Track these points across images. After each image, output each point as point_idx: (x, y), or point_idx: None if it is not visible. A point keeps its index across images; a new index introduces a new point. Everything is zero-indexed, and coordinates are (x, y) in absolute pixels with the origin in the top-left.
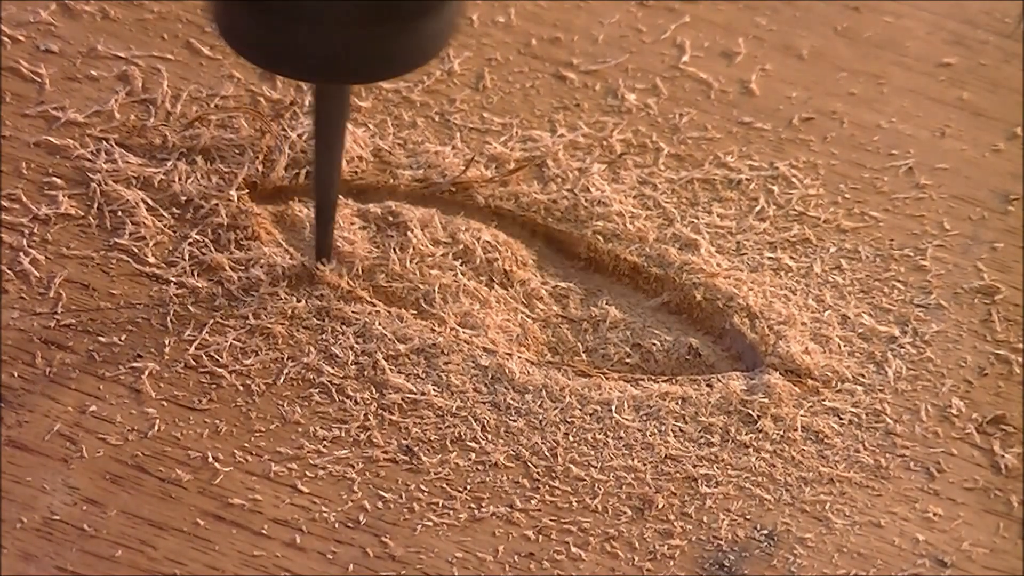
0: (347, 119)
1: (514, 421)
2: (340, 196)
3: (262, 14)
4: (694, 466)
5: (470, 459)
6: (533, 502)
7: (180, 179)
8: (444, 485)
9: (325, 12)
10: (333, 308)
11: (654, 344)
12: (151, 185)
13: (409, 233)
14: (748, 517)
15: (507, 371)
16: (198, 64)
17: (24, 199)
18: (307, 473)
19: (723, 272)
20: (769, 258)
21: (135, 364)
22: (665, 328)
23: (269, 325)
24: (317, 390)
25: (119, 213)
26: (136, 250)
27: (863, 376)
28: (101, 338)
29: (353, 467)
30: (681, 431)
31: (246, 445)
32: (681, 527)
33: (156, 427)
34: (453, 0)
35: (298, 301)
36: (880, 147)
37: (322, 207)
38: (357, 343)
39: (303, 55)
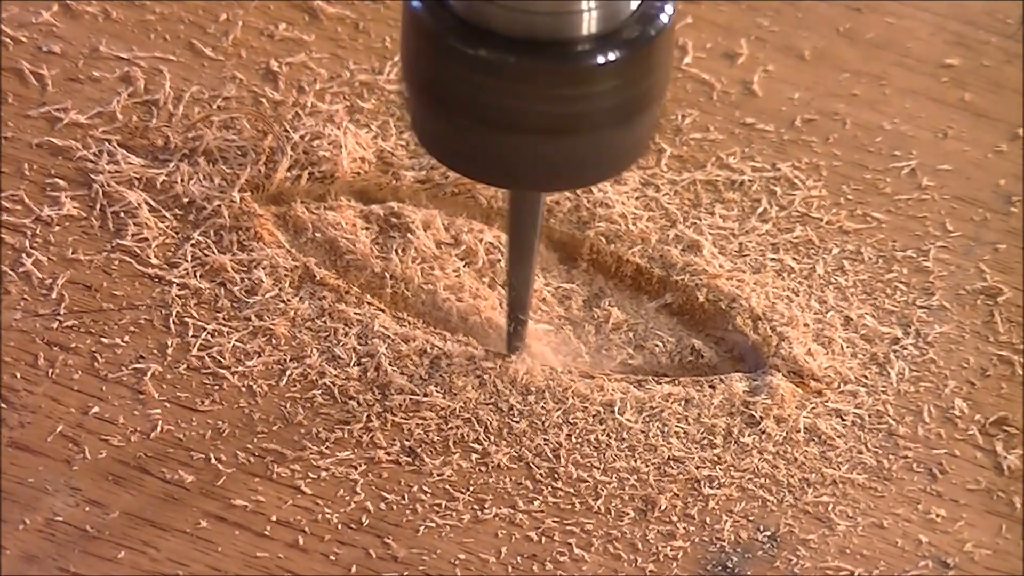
0: (541, 224)
1: (517, 423)
2: (341, 197)
3: (460, 122)
4: (697, 467)
5: (473, 460)
6: (536, 503)
7: (182, 180)
8: (447, 486)
9: (520, 121)
10: (336, 309)
11: (657, 346)
12: (153, 186)
13: (411, 234)
14: (751, 518)
15: (510, 372)
16: (200, 65)
17: (26, 200)
18: (310, 474)
19: (725, 273)
20: (772, 259)
21: (137, 365)
22: (668, 329)
23: (272, 326)
24: (320, 391)
25: (121, 214)
26: (138, 251)
27: (866, 377)
28: (103, 339)
29: (356, 468)
30: (684, 432)
31: (249, 446)
32: (684, 528)
33: (158, 428)
34: (649, 110)
35: (301, 302)
36: (882, 148)
37: (515, 307)
38: (360, 344)
39: (499, 163)
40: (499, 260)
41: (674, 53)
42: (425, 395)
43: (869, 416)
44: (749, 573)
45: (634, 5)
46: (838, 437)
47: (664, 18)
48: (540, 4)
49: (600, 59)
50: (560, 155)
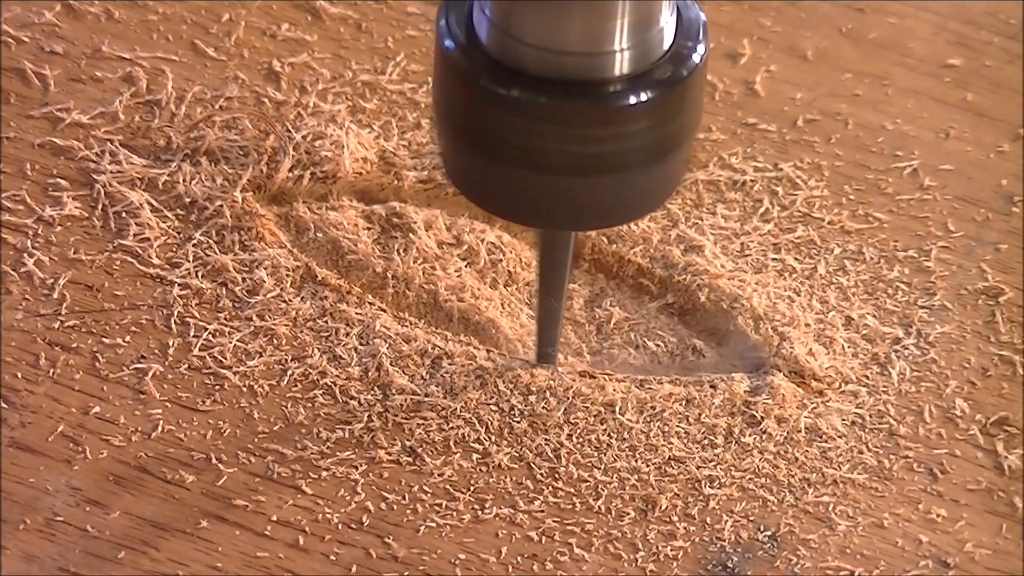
0: (571, 263)
1: (518, 423)
2: (343, 197)
3: (491, 162)
4: (698, 467)
5: (473, 460)
6: (536, 503)
7: (184, 180)
8: (447, 486)
9: (551, 161)
10: (337, 309)
11: (658, 345)
12: (155, 186)
13: (413, 234)
14: (751, 518)
15: (511, 372)
16: (203, 65)
17: (28, 200)
18: (310, 474)
19: (727, 274)
20: (773, 259)
21: (139, 365)
22: (669, 329)
23: (273, 326)
24: (321, 391)
25: (123, 214)
26: (140, 251)
27: (867, 377)
28: (105, 339)
29: (356, 468)
30: (685, 432)
31: (249, 446)
32: (684, 528)
33: (159, 428)
34: (679, 149)
35: (302, 302)
36: (884, 148)
37: (545, 343)
38: (361, 344)
39: (530, 202)
40: (500, 260)
41: (704, 92)
42: (426, 395)
43: (870, 416)
44: (749, 573)
45: (666, 45)
46: (839, 437)
47: (696, 58)
48: (572, 45)
49: (632, 100)
50: (591, 195)
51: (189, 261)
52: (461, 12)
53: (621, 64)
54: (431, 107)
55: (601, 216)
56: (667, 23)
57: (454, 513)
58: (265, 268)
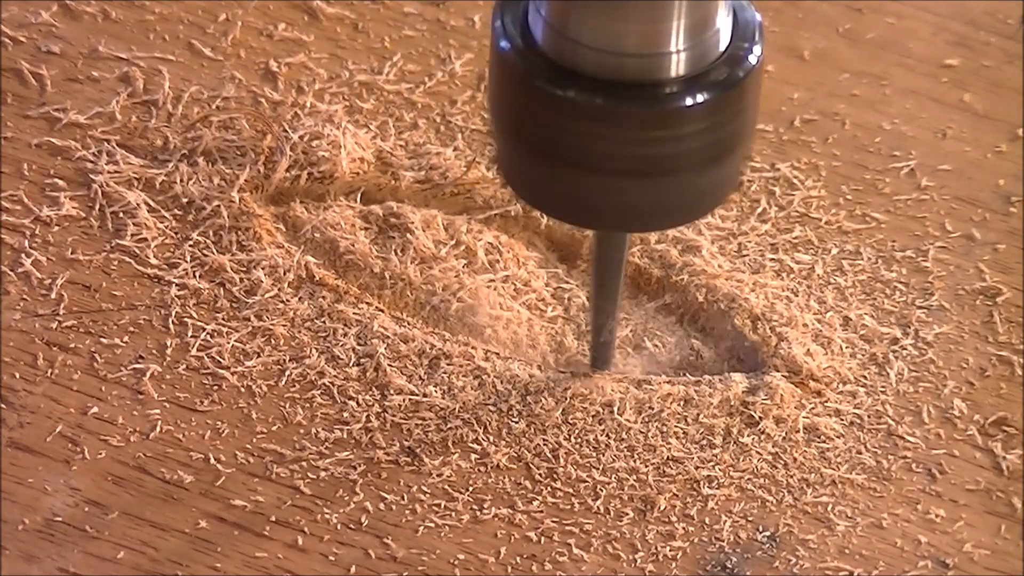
0: (625, 264)
1: (516, 423)
2: (342, 197)
3: (546, 163)
4: (696, 468)
5: (472, 461)
6: (535, 504)
7: (182, 180)
8: (446, 487)
9: (607, 163)
10: (335, 309)
11: (656, 346)
12: (153, 186)
13: (411, 234)
14: (750, 519)
15: (509, 373)
16: (200, 65)
17: (26, 200)
18: (309, 474)
19: (725, 274)
20: (771, 260)
21: (137, 365)
22: (667, 330)
23: (271, 326)
24: (319, 391)
25: (121, 214)
26: (138, 251)
27: (865, 378)
28: (103, 339)
29: (355, 469)
30: (683, 433)
31: (248, 446)
32: (683, 528)
33: (158, 428)
34: (736, 152)
35: (300, 303)
36: (882, 148)
37: (599, 350)
38: (359, 345)
39: (585, 204)
40: (498, 260)
41: (760, 94)
42: (424, 395)
43: (868, 416)
44: (748, 573)
45: (722, 47)
46: (837, 437)
47: (752, 60)
48: (629, 46)
49: (688, 101)
50: (646, 197)
51: (187, 261)
52: (516, 13)
53: (677, 65)
54: (487, 108)
55: (656, 218)
56: (723, 24)
57: (453, 513)
58: (263, 268)
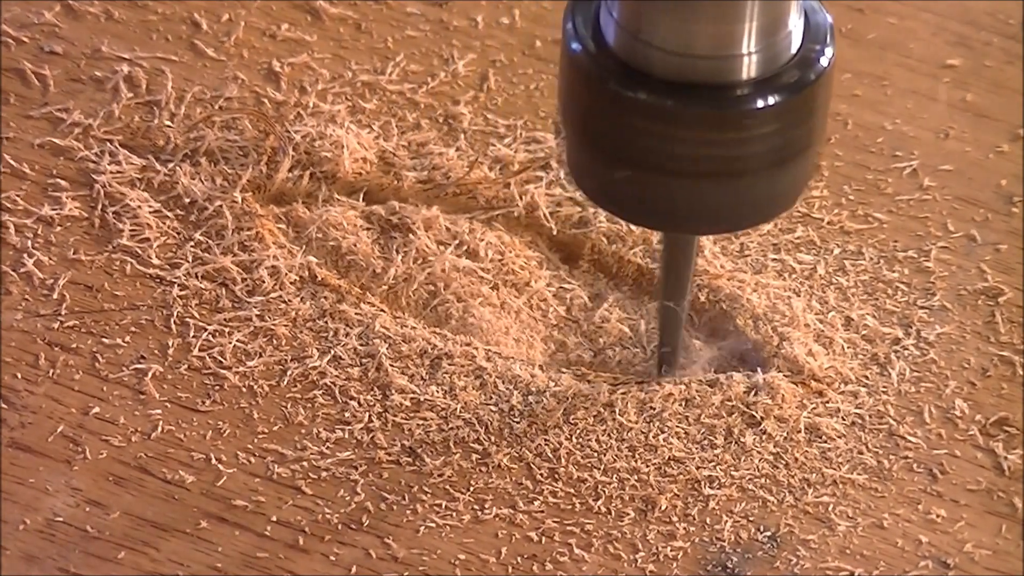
0: (694, 266)
1: (517, 423)
2: (343, 197)
3: (616, 165)
4: (697, 468)
5: (473, 461)
6: (536, 503)
7: (184, 180)
8: (447, 487)
9: (677, 165)
10: (337, 310)
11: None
12: (155, 187)
13: (413, 235)
14: (751, 519)
15: (511, 373)
16: (202, 66)
17: (28, 200)
18: (310, 474)
19: (726, 274)
20: (773, 260)
21: (138, 366)
22: None
23: (272, 327)
24: (320, 391)
25: (123, 215)
26: (140, 252)
27: (866, 378)
28: (104, 340)
29: (356, 468)
30: (684, 433)
31: (249, 446)
32: (684, 529)
33: (159, 428)
34: (806, 154)
35: (302, 303)
36: (884, 148)
37: (665, 347)
38: (361, 345)
39: (655, 206)
40: (500, 259)
41: (831, 97)
42: (426, 395)
43: (870, 416)
44: (749, 573)
45: (794, 49)
46: (838, 437)
47: (824, 62)
48: (701, 48)
49: (759, 103)
50: (715, 198)
51: (189, 261)
52: (588, 14)
53: (749, 68)
54: (557, 109)
55: (725, 220)
56: (795, 27)
57: (454, 513)
58: (265, 268)
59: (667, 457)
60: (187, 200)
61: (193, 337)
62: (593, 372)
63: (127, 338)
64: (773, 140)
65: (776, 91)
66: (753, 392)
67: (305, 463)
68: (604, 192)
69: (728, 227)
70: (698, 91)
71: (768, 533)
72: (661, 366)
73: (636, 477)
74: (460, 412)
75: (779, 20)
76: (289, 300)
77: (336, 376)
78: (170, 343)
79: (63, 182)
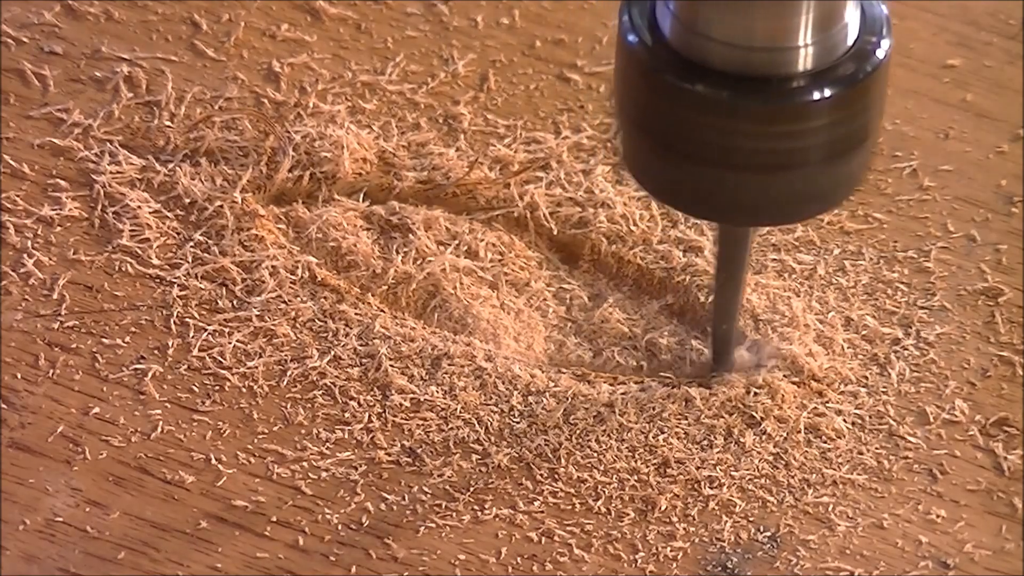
0: (749, 258)
1: (517, 423)
2: (343, 197)
3: (672, 157)
4: (697, 468)
5: (473, 461)
6: (536, 504)
7: (184, 181)
8: (447, 487)
9: (732, 157)
10: (337, 310)
11: (658, 346)
12: (155, 187)
13: (413, 235)
14: (751, 519)
15: (511, 373)
16: (202, 66)
17: (28, 201)
18: (310, 475)
19: None
20: (773, 260)
21: (138, 366)
22: (669, 330)
23: (273, 327)
24: (320, 392)
25: (123, 215)
26: (140, 252)
27: (866, 378)
28: (104, 340)
29: (356, 469)
30: (684, 433)
31: (249, 447)
32: (684, 529)
33: (159, 429)
34: (862, 146)
35: (302, 303)
36: (884, 148)
37: (720, 341)
38: (360, 345)
39: (710, 198)
40: (500, 259)
41: (887, 89)
42: (426, 396)
43: (870, 417)
44: (749, 574)
45: (850, 41)
46: (838, 437)
47: (880, 55)
48: (758, 40)
49: (815, 96)
50: (771, 191)
51: (188, 262)
52: (644, 7)
53: (805, 60)
54: (612, 101)
55: (780, 212)
56: (851, 19)
57: (454, 514)
58: (265, 268)
59: (667, 457)
60: (187, 200)
61: (193, 337)
62: (593, 372)
63: (127, 338)
64: (829, 132)
65: (832, 83)
66: (753, 392)
67: (305, 463)
68: (660, 184)
69: (783, 219)
70: (755, 83)
71: (768, 533)
72: (716, 357)
73: (636, 477)
74: (460, 412)
75: (835, 13)
76: (289, 300)
77: (336, 376)
78: (170, 343)
79: (63, 182)
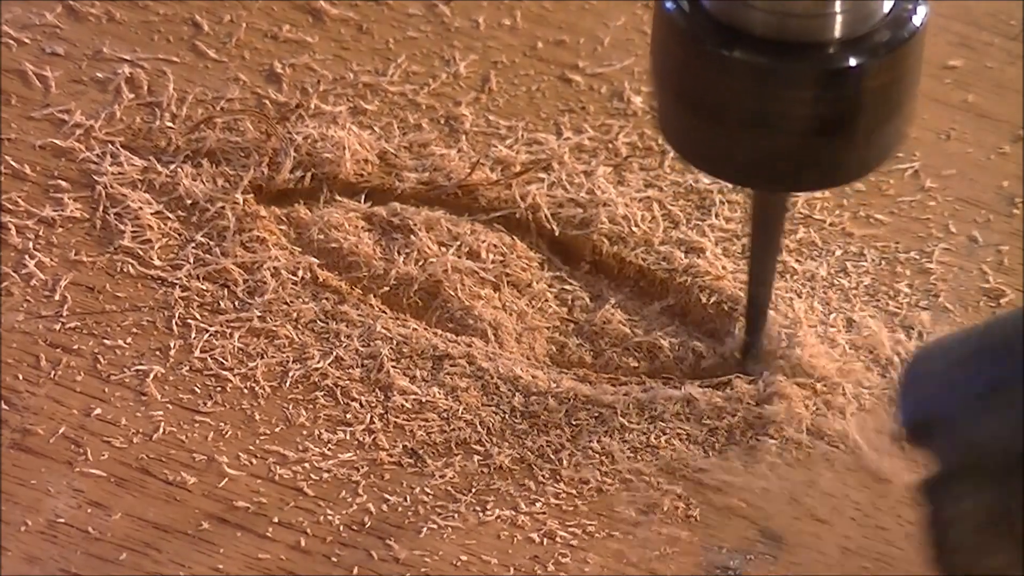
0: (784, 225)
1: (519, 424)
2: (345, 198)
3: (708, 123)
4: (699, 469)
5: (475, 462)
6: (538, 505)
7: (185, 182)
8: (449, 488)
9: (769, 121)
10: (338, 311)
11: (659, 347)
12: (156, 188)
13: (414, 236)
14: (753, 520)
15: (512, 374)
16: (203, 67)
17: (29, 202)
18: (312, 476)
19: (728, 275)
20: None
21: (140, 367)
22: (670, 331)
23: (274, 328)
24: (322, 393)
25: (124, 216)
26: (141, 253)
27: (868, 379)
28: (106, 341)
29: (358, 470)
30: (686, 434)
31: (251, 448)
32: (686, 530)
33: (161, 430)
34: (898, 113)
35: (303, 304)
36: None
37: (755, 308)
38: (362, 346)
39: (746, 163)
40: (502, 260)
41: (923, 55)
42: (427, 397)
43: (871, 417)
44: (751, 574)
45: (886, 8)
46: (840, 438)
47: (916, 21)
48: (795, 6)
49: (852, 62)
50: (807, 156)
51: (190, 263)
52: None
53: (842, 26)
54: (649, 68)
55: (815, 178)
56: None
57: (456, 515)
58: (266, 269)
59: (669, 458)
60: (188, 201)
61: (195, 338)
62: (595, 373)
63: (128, 339)
64: (865, 99)
65: (868, 50)
66: (755, 393)
67: (307, 464)
68: (696, 150)
69: (817, 185)
70: (791, 49)
71: (770, 534)
72: (748, 332)
73: (638, 478)
74: (462, 413)
75: None
76: (291, 301)
77: (338, 377)
78: (172, 344)
79: (64, 183)
